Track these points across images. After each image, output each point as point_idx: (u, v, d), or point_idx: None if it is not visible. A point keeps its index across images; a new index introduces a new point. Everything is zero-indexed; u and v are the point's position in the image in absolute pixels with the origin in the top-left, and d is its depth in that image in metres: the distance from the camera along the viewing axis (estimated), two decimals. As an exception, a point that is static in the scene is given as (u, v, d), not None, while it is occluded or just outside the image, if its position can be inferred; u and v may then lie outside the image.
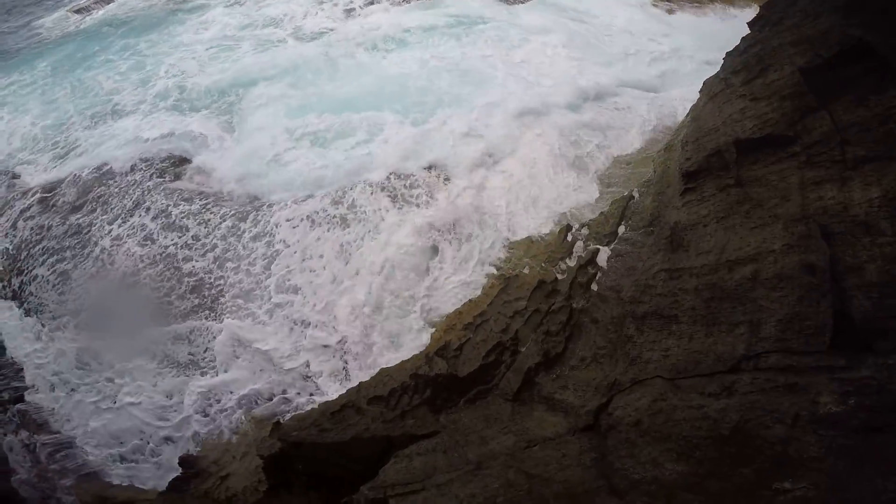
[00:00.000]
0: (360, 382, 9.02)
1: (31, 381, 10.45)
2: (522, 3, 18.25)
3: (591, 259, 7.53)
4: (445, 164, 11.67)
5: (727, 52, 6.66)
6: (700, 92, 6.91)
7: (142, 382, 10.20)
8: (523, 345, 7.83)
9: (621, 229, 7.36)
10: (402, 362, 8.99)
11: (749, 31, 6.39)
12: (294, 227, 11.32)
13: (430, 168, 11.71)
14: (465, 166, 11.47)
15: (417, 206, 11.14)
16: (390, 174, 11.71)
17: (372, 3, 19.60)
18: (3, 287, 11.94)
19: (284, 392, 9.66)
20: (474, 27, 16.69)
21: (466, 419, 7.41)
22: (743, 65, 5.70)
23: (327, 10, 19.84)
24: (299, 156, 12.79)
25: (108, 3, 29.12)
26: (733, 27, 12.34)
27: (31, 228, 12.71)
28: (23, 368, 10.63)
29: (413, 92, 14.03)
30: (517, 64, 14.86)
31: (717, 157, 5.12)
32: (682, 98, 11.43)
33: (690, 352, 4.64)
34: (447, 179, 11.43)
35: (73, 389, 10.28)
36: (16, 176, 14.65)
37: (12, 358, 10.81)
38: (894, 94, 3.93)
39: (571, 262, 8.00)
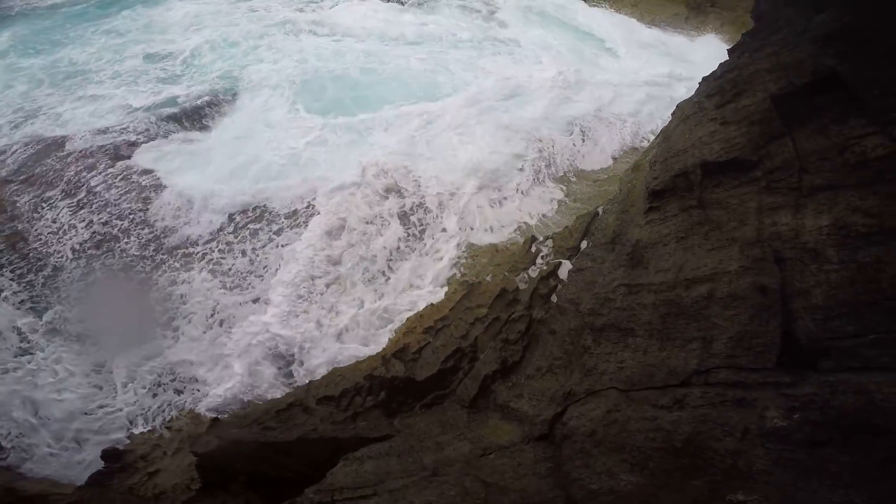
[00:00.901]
0: (309, 381, 8.75)
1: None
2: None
3: (553, 271, 7.64)
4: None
5: (703, 77, 6.79)
6: (672, 114, 7.06)
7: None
8: (482, 352, 7.81)
9: (583, 244, 7.52)
10: (357, 362, 8.79)
11: (728, 58, 6.59)
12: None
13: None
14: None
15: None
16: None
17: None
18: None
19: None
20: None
21: (422, 424, 7.29)
22: (717, 89, 5.79)
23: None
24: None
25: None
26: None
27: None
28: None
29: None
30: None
31: (683, 177, 5.28)
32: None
33: (645, 364, 4.75)
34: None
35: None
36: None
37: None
38: (855, 124, 4.11)
39: (533, 273, 8.09)
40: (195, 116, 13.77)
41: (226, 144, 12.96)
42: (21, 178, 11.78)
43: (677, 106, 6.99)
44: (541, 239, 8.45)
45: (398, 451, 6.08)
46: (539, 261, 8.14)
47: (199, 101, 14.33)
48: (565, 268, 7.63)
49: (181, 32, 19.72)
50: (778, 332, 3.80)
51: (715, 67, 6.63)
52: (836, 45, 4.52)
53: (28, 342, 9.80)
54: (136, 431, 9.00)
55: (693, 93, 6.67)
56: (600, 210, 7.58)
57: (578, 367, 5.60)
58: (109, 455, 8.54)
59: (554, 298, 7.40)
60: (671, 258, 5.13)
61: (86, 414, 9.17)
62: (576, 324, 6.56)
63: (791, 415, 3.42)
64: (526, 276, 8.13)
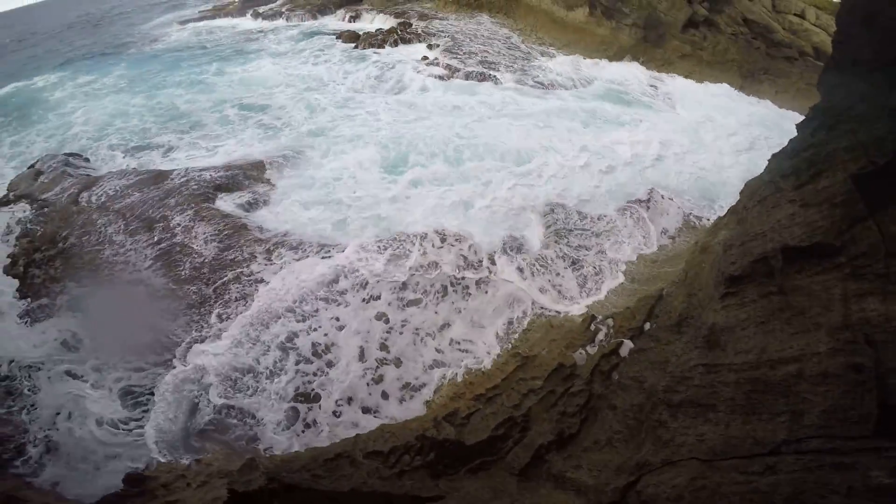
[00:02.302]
0: (357, 434, 8.70)
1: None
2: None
3: (615, 350, 7.84)
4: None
5: (773, 154, 6.78)
6: (741, 193, 7.20)
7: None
8: (534, 422, 7.84)
9: (647, 326, 7.78)
10: (406, 421, 8.80)
11: (798, 133, 6.54)
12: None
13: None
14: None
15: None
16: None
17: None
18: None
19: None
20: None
21: (471, 488, 7.17)
22: (793, 169, 5.70)
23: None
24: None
25: (209, 20, 38.33)
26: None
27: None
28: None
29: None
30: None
31: (762, 263, 5.42)
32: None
33: (728, 437, 4.77)
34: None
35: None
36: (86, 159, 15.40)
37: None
38: (942, 205, 4.07)
39: (592, 350, 8.27)
40: (283, 166, 15.11)
41: (311, 193, 13.99)
42: (118, 205, 12.86)
43: (746, 184, 7.19)
44: (600, 318, 8.73)
45: (451, 513, 5.95)
46: (599, 339, 8.35)
47: (286, 153, 15.79)
48: (626, 347, 7.85)
49: (271, 87, 22.83)
50: (874, 404, 3.87)
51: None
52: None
53: (80, 356, 10.15)
54: (161, 459, 8.90)
55: (763, 170, 6.79)
56: (664, 292, 7.92)
57: (651, 439, 5.61)
58: (132, 479, 8.37)
59: (615, 375, 7.54)
60: (751, 341, 5.33)
61: (115, 435, 9.18)
62: (639, 400, 6.66)
63: (896, 474, 3.43)
64: (584, 352, 8.31)
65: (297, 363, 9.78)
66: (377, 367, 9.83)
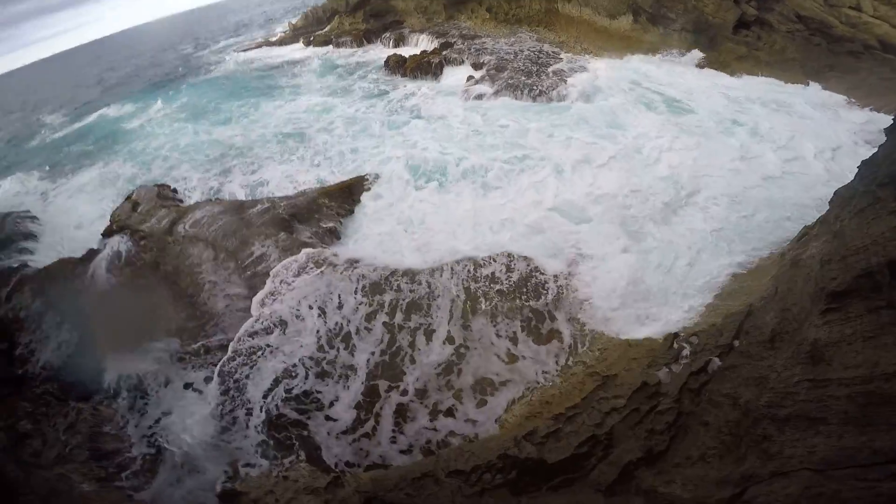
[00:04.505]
0: (437, 453, 8.97)
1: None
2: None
3: (703, 367, 7.75)
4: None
5: (863, 161, 6.55)
6: (830, 203, 7.01)
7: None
8: (617, 440, 7.87)
9: (736, 343, 7.65)
10: (486, 440, 9.00)
11: (887, 139, 6.29)
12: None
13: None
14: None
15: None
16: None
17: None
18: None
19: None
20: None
21: (555, 505, 7.28)
22: (890, 178, 5.51)
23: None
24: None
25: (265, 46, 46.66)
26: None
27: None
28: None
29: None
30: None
31: (867, 278, 5.29)
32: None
33: (841, 448, 4.68)
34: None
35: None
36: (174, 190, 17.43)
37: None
38: None
39: (677, 368, 8.20)
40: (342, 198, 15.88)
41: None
42: (206, 235, 13.91)
43: (836, 193, 6.97)
44: (682, 335, 8.64)
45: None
46: (683, 357, 8.27)
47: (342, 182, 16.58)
48: (713, 364, 7.74)
49: (315, 121, 24.15)
50: None
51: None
52: None
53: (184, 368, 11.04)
54: (252, 474, 9.39)
55: (854, 178, 6.54)
56: (752, 307, 7.77)
57: (755, 453, 5.58)
58: (226, 495, 9.01)
59: (704, 393, 7.46)
60: (859, 356, 5.21)
61: (213, 447, 9.79)
62: (735, 416, 6.60)
63: None
64: (668, 370, 8.25)
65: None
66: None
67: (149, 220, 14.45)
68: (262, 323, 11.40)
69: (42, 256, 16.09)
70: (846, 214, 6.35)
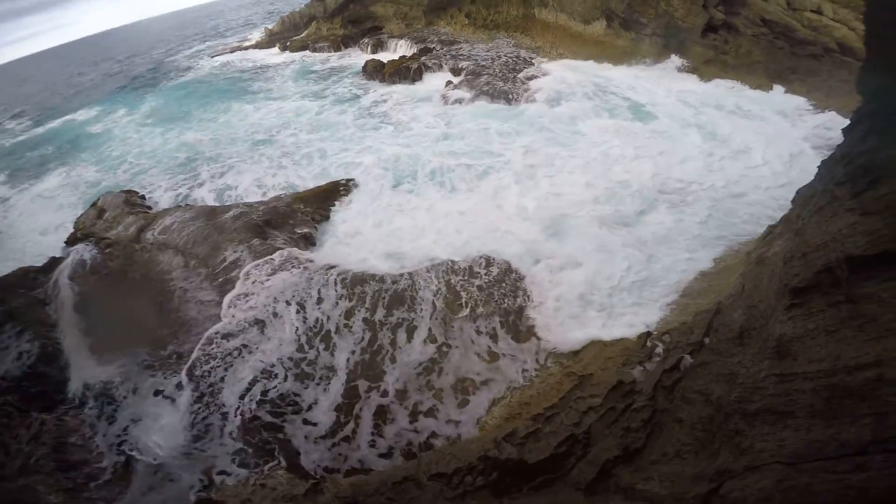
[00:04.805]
0: (419, 456, 8.91)
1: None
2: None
3: (676, 365, 7.89)
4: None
5: (822, 161, 6.75)
6: (793, 202, 7.16)
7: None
8: (595, 439, 7.94)
9: (706, 340, 7.81)
10: (467, 442, 8.98)
11: (844, 139, 6.45)
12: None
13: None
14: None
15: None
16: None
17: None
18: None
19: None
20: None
21: (537, 505, 7.29)
22: (848, 176, 5.62)
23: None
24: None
25: (239, 51, 46.54)
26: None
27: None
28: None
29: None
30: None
31: (827, 273, 5.42)
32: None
33: (810, 441, 4.79)
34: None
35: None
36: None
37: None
38: None
39: (651, 367, 8.32)
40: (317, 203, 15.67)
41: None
42: (176, 242, 13.56)
43: (797, 192, 7.13)
44: (655, 334, 8.78)
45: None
46: (656, 355, 8.41)
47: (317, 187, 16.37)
48: (685, 361, 7.89)
49: (286, 126, 23.92)
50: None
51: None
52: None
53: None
54: (229, 482, 9.15)
55: (814, 178, 6.70)
56: (721, 305, 7.94)
57: (728, 448, 5.67)
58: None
59: (678, 390, 7.58)
60: (822, 349, 5.35)
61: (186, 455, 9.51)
62: (708, 412, 6.72)
63: None
64: (642, 368, 8.37)
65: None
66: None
67: (115, 228, 13.99)
68: (235, 324, 11.15)
69: (0, 266, 15.43)
70: (807, 213, 6.52)
